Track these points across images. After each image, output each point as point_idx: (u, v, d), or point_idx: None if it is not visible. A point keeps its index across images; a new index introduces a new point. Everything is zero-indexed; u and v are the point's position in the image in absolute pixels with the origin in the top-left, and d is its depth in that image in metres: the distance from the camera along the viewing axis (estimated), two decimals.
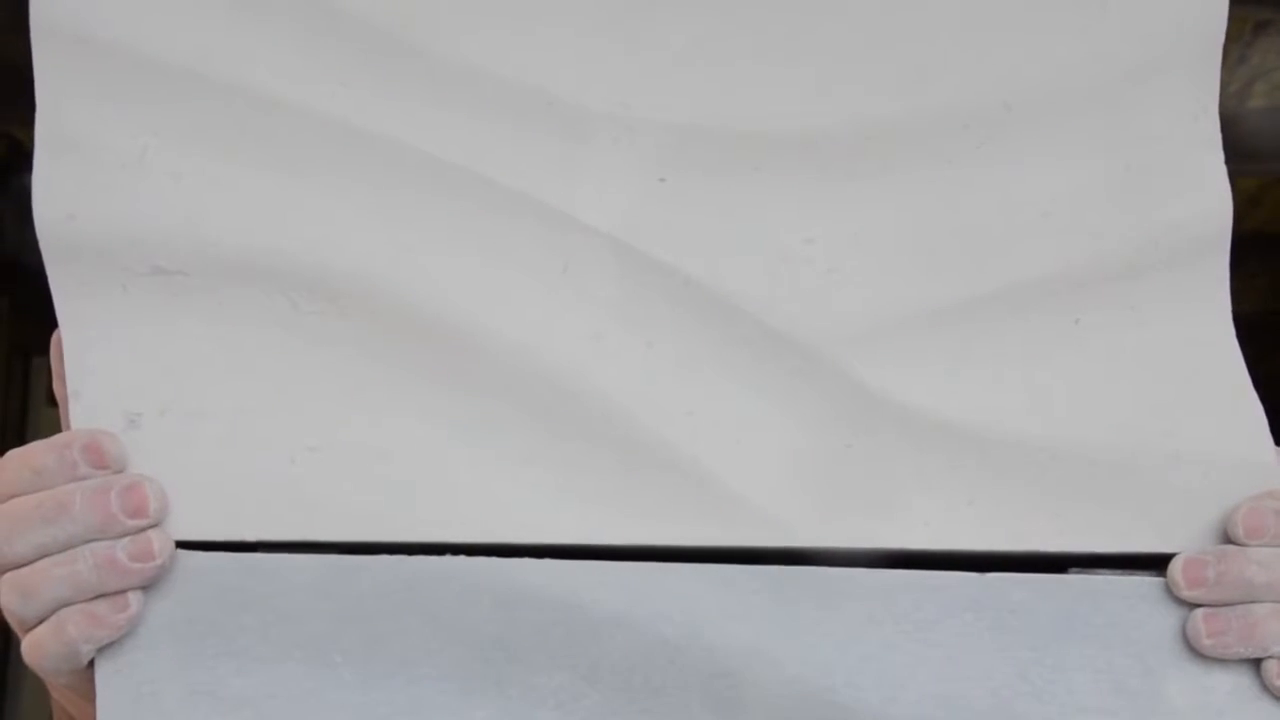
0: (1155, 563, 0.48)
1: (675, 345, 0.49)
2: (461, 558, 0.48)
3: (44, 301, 0.48)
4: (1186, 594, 0.47)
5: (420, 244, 0.49)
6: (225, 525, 0.48)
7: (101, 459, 0.46)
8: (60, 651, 0.46)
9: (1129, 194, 0.49)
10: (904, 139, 0.50)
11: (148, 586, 0.47)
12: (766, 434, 0.49)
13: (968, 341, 0.49)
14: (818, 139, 0.49)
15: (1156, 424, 0.49)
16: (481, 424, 0.48)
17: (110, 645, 0.47)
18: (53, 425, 0.48)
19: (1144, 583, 0.48)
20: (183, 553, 0.47)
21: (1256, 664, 0.47)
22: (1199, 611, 0.47)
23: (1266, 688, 0.47)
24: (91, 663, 0.47)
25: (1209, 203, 0.49)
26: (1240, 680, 0.47)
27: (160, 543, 0.46)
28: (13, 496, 0.46)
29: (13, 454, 0.47)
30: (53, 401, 0.50)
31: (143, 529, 0.46)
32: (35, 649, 0.47)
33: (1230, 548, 0.47)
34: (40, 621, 0.47)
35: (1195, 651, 0.47)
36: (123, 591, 0.46)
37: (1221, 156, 0.50)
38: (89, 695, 0.48)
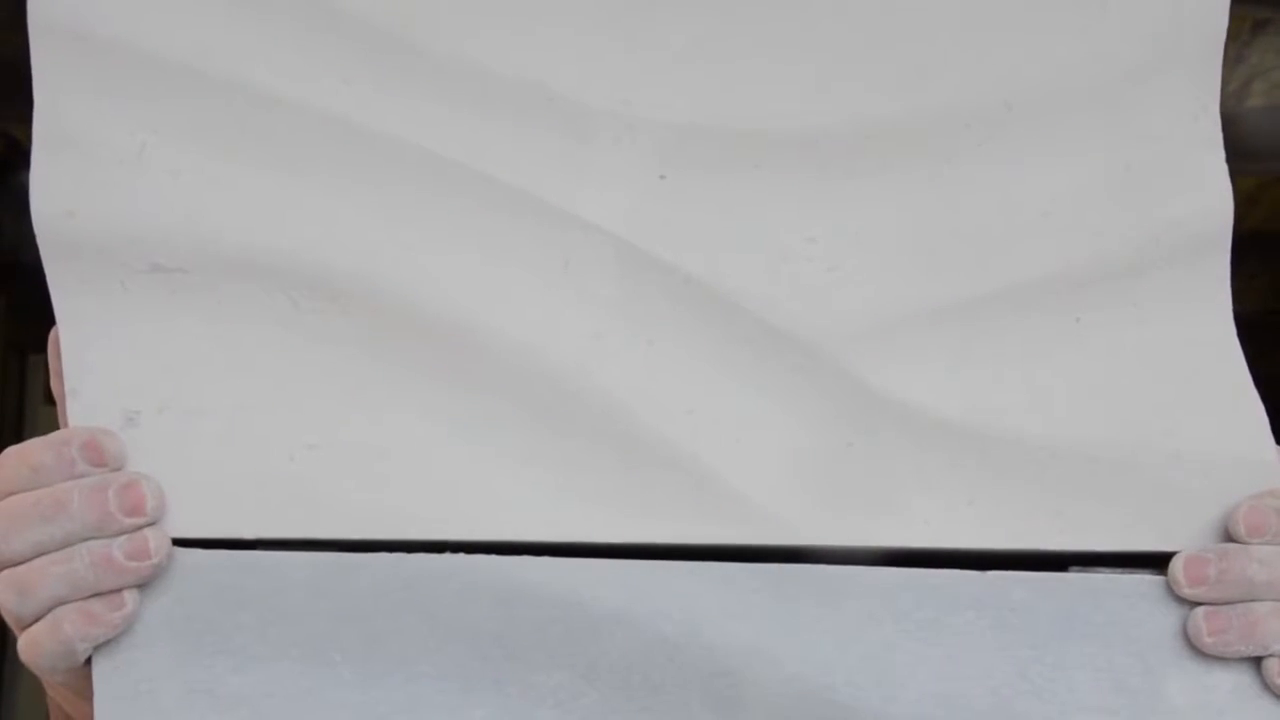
0: (1156, 561, 0.48)
1: (676, 343, 0.49)
2: (461, 555, 0.48)
3: (41, 299, 0.48)
4: (1188, 592, 0.47)
5: (420, 242, 0.49)
6: (224, 523, 0.47)
7: (100, 457, 0.46)
8: (56, 649, 0.46)
9: (1130, 193, 0.49)
10: (905, 138, 0.50)
11: (144, 585, 0.47)
12: (767, 432, 0.49)
13: (968, 340, 0.49)
14: (818, 137, 0.49)
15: (1157, 422, 0.49)
16: (481, 422, 0.48)
17: (108, 643, 0.47)
18: (49, 424, 0.48)
19: (1145, 581, 0.48)
20: (181, 550, 0.47)
21: (1257, 662, 0.47)
22: (1200, 610, 0.47)
23: (1267, 686, 0.47)
24: (88, 661, 0.47)
25: (1210, 201, 0.49)
26: (1241, 679, 0.47)
27: (157, 541, 0.46)
28: (10, 494, 0.46)
29: (11, 451, 0.47)
30: (49, 400, 0.50)
31: (140, 527, 0.46)
32: (31, 647, 0.47)
33: (1232, 546, 0.47)
34: (37, 619, 0.46)
35: (1196, 650, 0.47)
36: (119, 590, 0.46)
37: (1222, 155, 0.50)
38: (85, 693, 0.48)
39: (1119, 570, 0.48)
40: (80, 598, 0.46)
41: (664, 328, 0.49)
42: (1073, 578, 0.48)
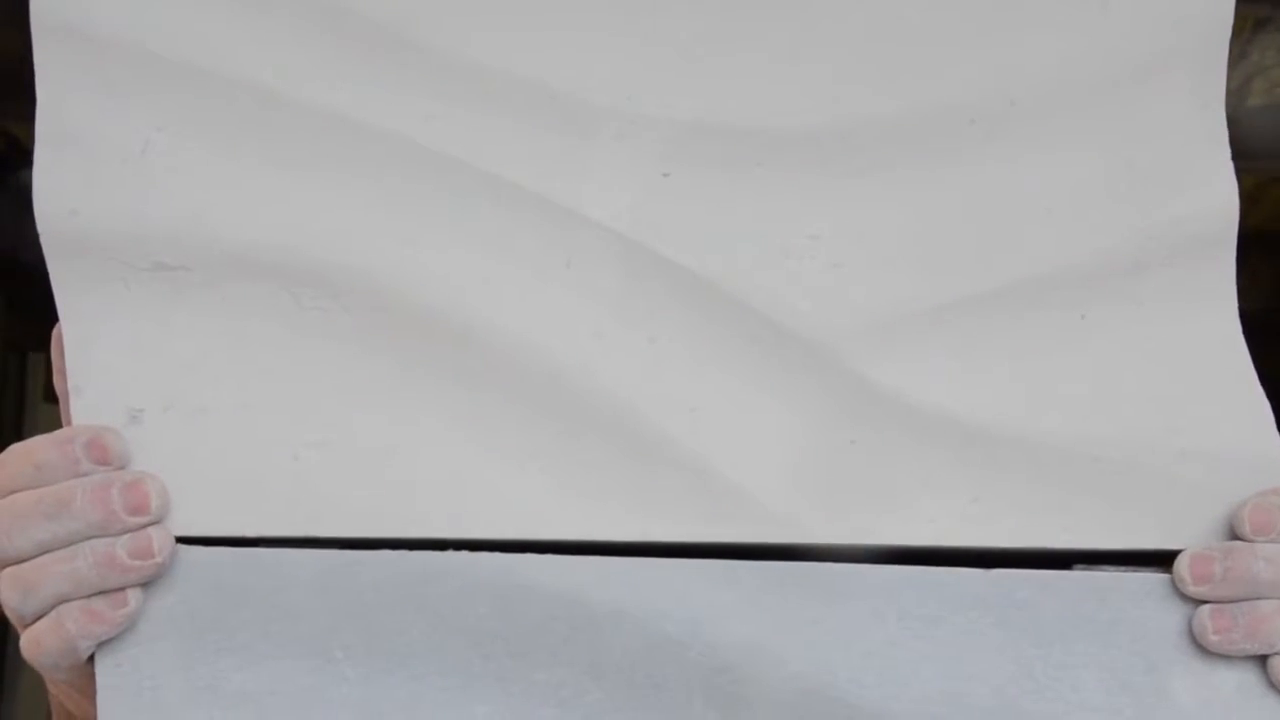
0: (1161, 559, 0.48)
1: (679, 341, 0.49)
2: (463, 553, 0.48)
3: (40, 298, 0.48)
4: (1193, 590, 0.47)
5: (423, 239, 0.49)
6: (227, 521, 0.47)
7: (104, 455, 0.46)
8: (59, 647, 0.46)
9: (1134, 190, 0.49)
10: (908, 135, 0.49)
11: (147, 583, 0.47)
12: (770, 430, 0.49)
13: (973, 337, 0.49)
14: (822, 135, 0.49)
15: (1162, 420, 0.48)
16: (483, 420, 0.48)
17: (110, 641, 0.47)
18: (49, 422, 0.48)
19: (1150, 579, 0.48)
20: (184, 548, 0.47)
21: (1262, 660, 0.47)
22: (1205, 608, 0.47)
23: (1273, 684, 0.47)
24: (90, 658, 0.47)
25: (1215, 198, 0.49)
26: (1246, 677, 0.47)
27: (160, 540, 0.46)
28: (14, 491, 0.46)
29: (15, 448, 0.47)
30: (49, 398, 0.50)
31: (144, 526, 0.46)
32: (34, 645, 0.47)
33: (1237, 544, 0.47)
34: (39, 617, 0.46)
35: (1201, 648, 0.47)
36: (122, 589, 0.46)
37: (1228, 152, 0.49)
38: (87, 691, 0.48)
39: (1124, 568, 0.48)
40: (83, 596, 0.46)
41: (666, 325, 0.49)
42: (1077, 576, 0.48)
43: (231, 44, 0.49)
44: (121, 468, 0.47)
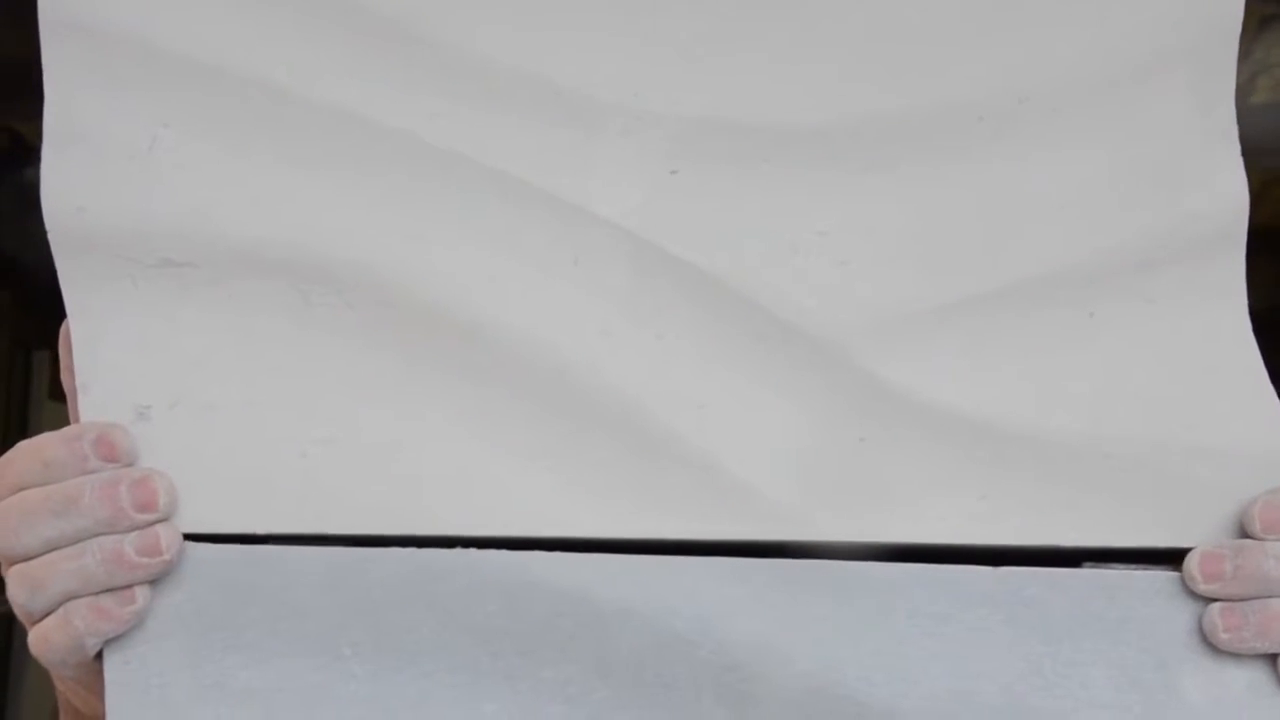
0: (1170, 557, 0.48)
1: (687, 338, 0.49)
2: (471, 551, 0.48)
3: (45, 296, 0.48)
4: (1203, 588, 0.47)
5: (430, 236, 0.49)
6: (235, 518, 0.47)
7: (112, 452, 0.46)
8: (66, 644, 0.46)
9: (1144, 186, 0.49)
10: (917, 131, 0.49)
11: (155, 581, 0.47)
12: (778, 427, 0.49)
13: (982, 334, 0.49)
14: (831, 131, 0.49)
15: (1172, 417, 0.48)
16: (491, 416, 0.48)
17: (118, 638, 0.47)
18: (54, 420, 0.48)
19: (1159, 577, 0.48)
20: (191, 545, 0.47)
21: (1273, 659, 0.47)
22: (1215, 606, 0.47)
23: None
24: (98, 655, 0.47)
25: (1225, 195, 0.49)
26: (1257, 675, 0.47)
27: (168, 538, 0.46)
28: (22, 489, 0.46)
29: (22, 446, 0.47)
30: (54, 396, 0.50)
31: (151, 523, 0.46)
32: (41, 641, 0.47)
33: (1248, 542, 0.47)
34: (47, 614, 0.46)
35: (1211, 646, 0.47)
36: (130, 586, 0.46)
37: (1238, 148, 0.49)
38: (94, 687, 0.48)
39: (1133, 566, 0.48)
40: (91, 593, 0.46)
41: (674, 322, 0.49)
42: (1086, 574, 0.48)
43: (238, 40, 0.49)
44: (129, 465, 0.47)
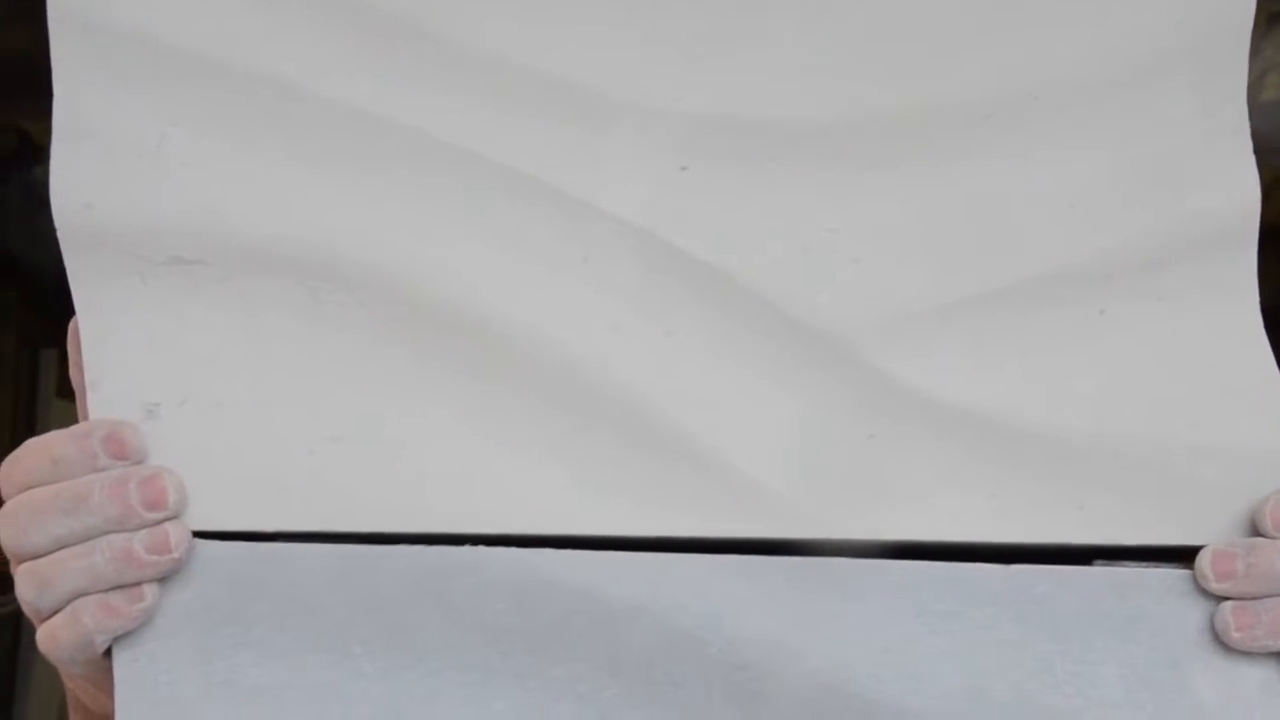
0: (1182, 555, 0.48)
1: (696, 335, 0.49)
2: (480, 548, 0.47)
3: (53, 294, 0.48)
4: (1215, 586, 0.47)
5: (439, 233, 0.48)
6: (244, 516, 0.47)
7: (122, 450, 0.46)
8: (75, 641, 0.46)
9: (1155, 184, 0.49)
10: (926, 128, 0.49)
11: (164, 578, 0.47)
12: (787, 424, 0.48)
13: (991, 332, 0.49)
14: (839, 129, 0.49)
15: (1183, 415, 0.48)
16: (501, 415, 0.48)
17: (127, 635, 0.47)
18: (61, 418, 0.48)
19: (1171, 575, 0.47)
20: (200, 543, 0.47)
21: None
22: (1227, 604, 0.46)
23: None
24: (107, 653, 0.47)
25: (1235, 192, 0.49)
26: (1269, 674, 0.47)
27: (177, 535, 0.46)
28: (31, 487, 0.46)
29: (32, 443, 0.47)
30: (63, 394, 0.50)
31: (160, 521, 0.46)
32: (50, 639, 0.47)
33: (1260, 540, 0.46)
34: (56, 612, 0.46)
35: (1223, 645, 0.47)
36: (139, 583, 0.46)
37: (1249, 146, 0.49)
38: (103, 684, 0.48)
39: (1144, 564, 0.48)
40: (100, 591, 0.46)
41: (683, 319, 0.49)
42: (1097, 572, 0.48)
43: (246, 38, 0.49)
44: (139, 462, 0.47)
